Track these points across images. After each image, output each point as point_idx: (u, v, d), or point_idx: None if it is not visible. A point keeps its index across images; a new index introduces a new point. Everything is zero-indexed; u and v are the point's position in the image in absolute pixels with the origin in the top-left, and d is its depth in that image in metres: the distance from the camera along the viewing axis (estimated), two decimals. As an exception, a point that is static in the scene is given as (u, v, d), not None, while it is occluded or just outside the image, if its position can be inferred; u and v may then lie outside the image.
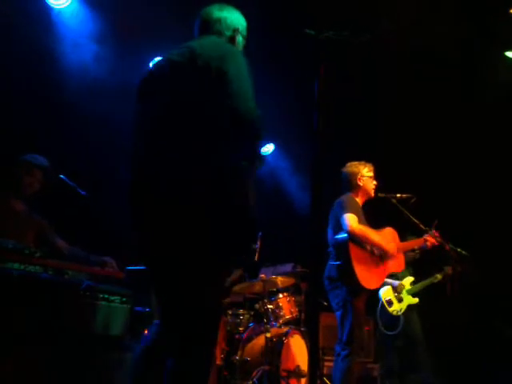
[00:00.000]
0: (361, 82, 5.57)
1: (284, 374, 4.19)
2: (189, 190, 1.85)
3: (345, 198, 3.84)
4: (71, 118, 4.65)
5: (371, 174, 3.94)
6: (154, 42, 5.05)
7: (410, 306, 4.96)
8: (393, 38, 4.94)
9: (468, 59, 5.36)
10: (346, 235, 3.62)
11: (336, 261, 3.69)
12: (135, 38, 4.91)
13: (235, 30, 2.23)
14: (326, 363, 5.13)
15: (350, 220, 3.62)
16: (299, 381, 4.34)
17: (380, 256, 3.78)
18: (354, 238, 3.62)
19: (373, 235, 3.71)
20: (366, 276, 3.60)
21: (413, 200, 4.07)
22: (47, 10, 4.53)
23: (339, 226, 3.68)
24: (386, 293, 5.08)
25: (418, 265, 5.08)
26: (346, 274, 3.59)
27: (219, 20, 2.20)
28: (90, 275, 2.75)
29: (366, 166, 3.95)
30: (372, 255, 3.73)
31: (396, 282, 5.06)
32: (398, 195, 4.02)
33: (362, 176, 3.91)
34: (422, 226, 4.06)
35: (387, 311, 4.94)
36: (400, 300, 4.98)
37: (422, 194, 4.19)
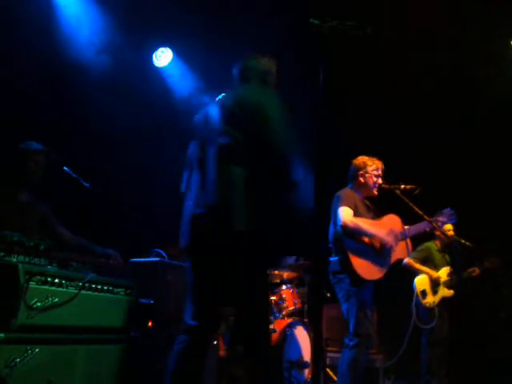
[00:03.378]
0: (366, 72, 5.53)
1: (287, 364, 4.21)
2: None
3: (342, 192, 3.84)
4: (74, 110, 4.65)
5: (377, 172, 3.90)
6: (158, 35, 5.03)
7: (444, 301, 4.83)
8: (396, 30, 4.92)
9: (470, 50, 5.32)
10: (340, 230, 3.63)
11: (335, 256, 3.72)
12: (140, 30, 4.89)
13: (266, 73, 2.72)
14: (329, 354, 5.15)
15: (344, 213, 3.63)
16: (302, 371, 4.37)
17: (381, 245, 3.77)
18: (347, 231, 3.62)
19: (367, 226, 3.67)
20: (365, 268, 3.59)
21: (417, 191, 4.05)
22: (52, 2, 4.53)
23: (336, 221, 3.69)
24: (421, 283, 4.92)
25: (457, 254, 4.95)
26: (346, 267, 3.61)
27: (254, 67, 2.72)
28: (95, 267, 2.76)
29: (373, 164, 3.91)
30: (371, 245, 3.72)
31: (433, 272, 4.89)
32: (402, 186, 3.98)
33: (366, 172, 3.88)
34: (426, 217, 4.03)
35: (421, 303, 4.82)
36: (435, 292, 4.82)
37: (427, 185, 4.17)
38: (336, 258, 3.71)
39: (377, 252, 3.72)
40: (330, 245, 3.79)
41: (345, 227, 3.60)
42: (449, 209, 4.98)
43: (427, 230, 4.15)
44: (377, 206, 4.02)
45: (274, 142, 2.36)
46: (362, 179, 3.89)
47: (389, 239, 3.72)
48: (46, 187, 3.40)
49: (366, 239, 3.68)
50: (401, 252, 3.88)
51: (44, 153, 3.35)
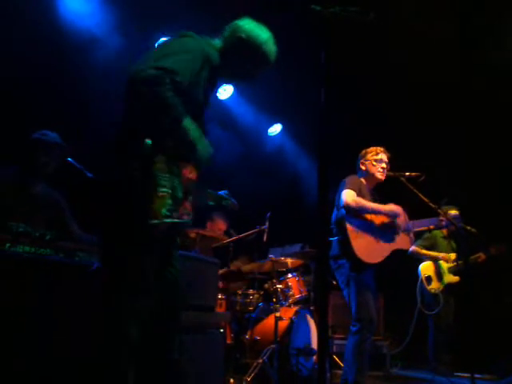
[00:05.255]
0: (369, 58, 5.49)
1: (294, 352, 4.24)
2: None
3: (348, 177, 3.86)
4: (76, 101, 4.64)
5: (377, 157, 3.90)
6: (162, 27, 5.00)
7: (449, 287, 4.83)
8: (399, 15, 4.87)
9: (471, 32, 5.27)
10: (343, 211, 3.65)
11: (335, 237, 3.73)
12: (143, 21, 4.87)
13: (230, 35, 2.37)
14: (336, 341, 5.17)
15: (346, 195, 3.66)
16: (309, 358, 4.39)
17: (383, 227, 3.74)
18: (349, 210, 3.63)
19: (368, 203, 3.70)
20: (365, 250, 3.59)
21: (422, 178, 4.04)
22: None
23: (339, 204, 3.71)
24: (426, 269, 4.92)
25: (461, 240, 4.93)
26: (345, 248, 3.62)
27: (229, 27, 2.40)
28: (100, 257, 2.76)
29: (373, 150, 3.92)
30: (373, 228, 3.71)
31: (438, 258, 4.89)
32: (407, 173, 3.97)
33: (366, 160, 3.92)
34: (431, 204, 4.02)
35: (426, 289, 4.82)
36: (440, 278, 4.84)
37: (432, 172, 4.16)
38: (335, 239, 3.72)
39: (379, 230, 3.71)
40: (332, 226, 3.80)
41: (347, 207, 3.63)
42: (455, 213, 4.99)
43: (431, 228, 4.14)
44: (383, 198, 4.00)
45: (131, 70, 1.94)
46: (363, 167, 3.94)
47: (395, 208, 3.72)
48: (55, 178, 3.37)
49: (369, 216, 3.69)
50: (404, 243, 3.85)
51: (56, 146, 3.27)
